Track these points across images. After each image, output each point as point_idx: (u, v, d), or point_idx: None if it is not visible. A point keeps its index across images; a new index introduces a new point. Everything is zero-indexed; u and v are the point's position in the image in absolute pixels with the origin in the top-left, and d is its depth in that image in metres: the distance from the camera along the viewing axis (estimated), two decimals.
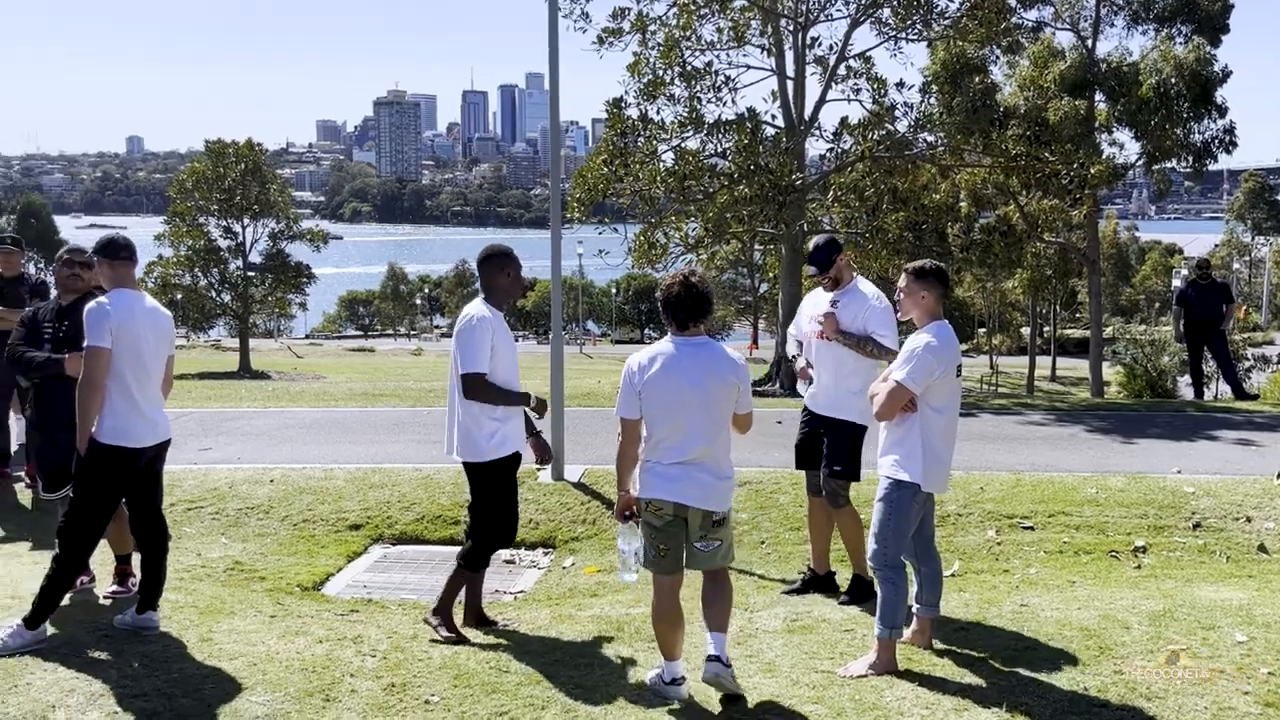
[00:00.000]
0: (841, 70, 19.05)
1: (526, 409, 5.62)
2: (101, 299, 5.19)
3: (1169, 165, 28.46)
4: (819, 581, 6.38)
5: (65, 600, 5.40)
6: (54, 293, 6.57)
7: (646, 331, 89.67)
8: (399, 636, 5.58)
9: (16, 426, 8.85)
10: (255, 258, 44.15)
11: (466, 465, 5.53)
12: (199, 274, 42.66)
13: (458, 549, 7.66)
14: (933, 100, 20.37)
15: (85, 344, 5.08)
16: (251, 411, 13.24)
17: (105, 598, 6.04)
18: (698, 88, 18.25)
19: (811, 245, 6.24)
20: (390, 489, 8.89)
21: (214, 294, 43.38)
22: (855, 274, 6.31)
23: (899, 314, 5.15)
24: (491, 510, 5.56)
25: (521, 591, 7.16)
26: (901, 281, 5.06)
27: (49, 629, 5.23)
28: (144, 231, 36.99)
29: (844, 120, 19.02)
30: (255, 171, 43.06)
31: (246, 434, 11.41)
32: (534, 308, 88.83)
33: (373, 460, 9.86)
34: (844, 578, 6.39)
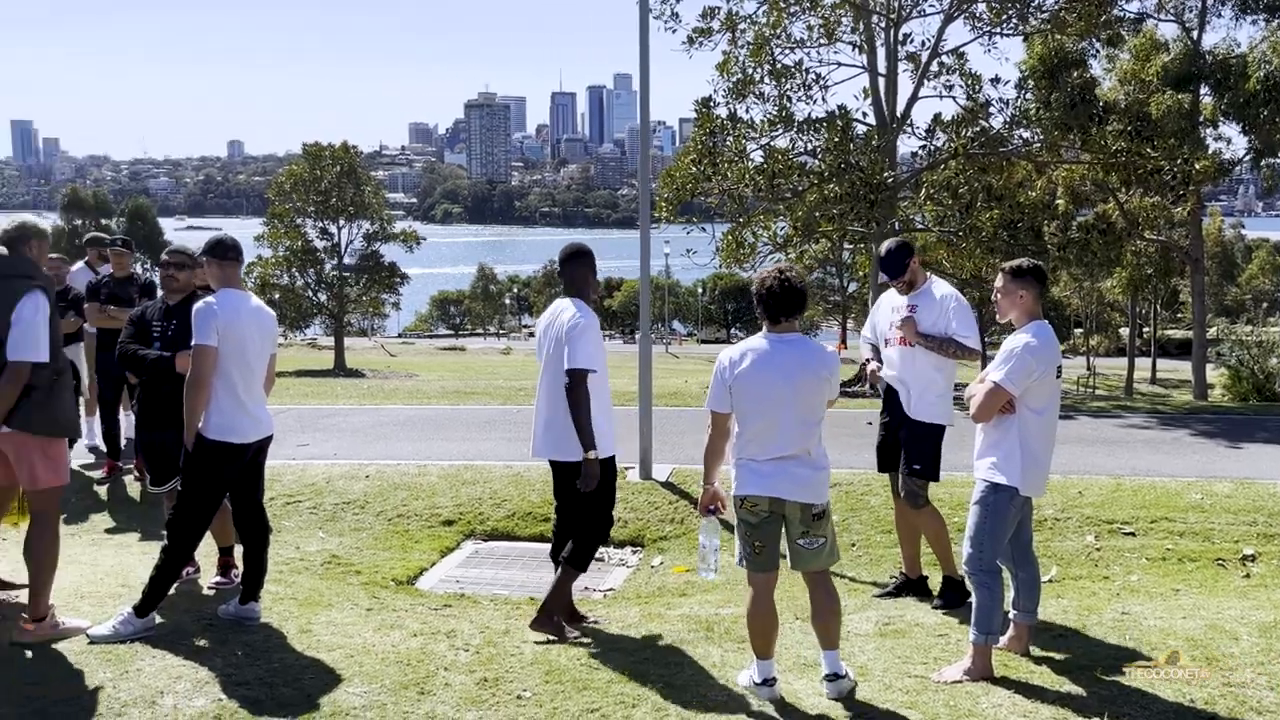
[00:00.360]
0: (934, 67, 18.75)
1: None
2: (209, 299, 5.34)
3: (1277, 161, 27.41)
4: (911, 585, 6.29)
5: (171, 590, 5.58)
6: (161, 292, 6.76)
7: (733, 331, 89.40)
8: (491, 631, 5.65)
9: (125, 421, 9.18)
10: (350, 258, 45.13)
11: (563, 465, 5.50)
12: (296, 274, 43.79)
13: (550, 546, 7.77)
14: (1029, 96, 19.92)
15: (193, 342, 5.23)
16: (347, 409, 13.52)
17: (209, 588, 6.22)
18: (788, 86, 18.13)
19: (883, 251, 6.13)
20: (482, 485, 9.01)
21: (310, 293, 44.47)
22: (929, 275, 6.20)
23: (998, 315, 5.03)
24: (595, 510, 5.56)
25: (611, 589, 7.19)
26: (998, 281, 4.95)
27: (157, 617, 5.40)
28: (243, 233, 38.04)
29: (937, 117, 18.72)
30: (350, 174, 44.04)
31: (343, 430, 11.66)
32: (620, 307, 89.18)
33: (465, 457, 10.00)
34: (936, 582, 6.29)
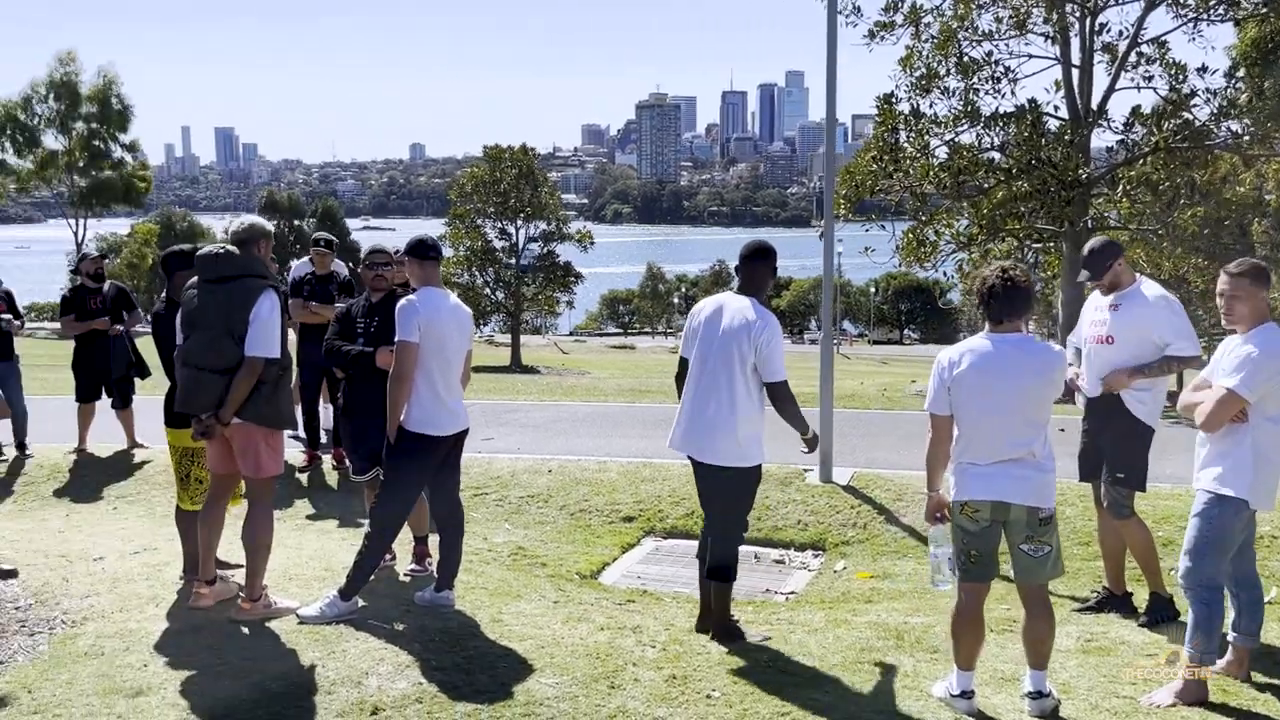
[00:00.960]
0: (1133, 57, 17.84)
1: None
2: (411, 297, 5.54)
3: None
4: (1115, 602, 5.99)
5: (372, 576, 5.82)
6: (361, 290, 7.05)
7: (905, 332, 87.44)
8: (676, 629, 5.68)
9: (325, 413, 9.64)
10: (526, 258, 46.27)
11: (725, 470, 5.32)
12: (475, 273, 45.16)
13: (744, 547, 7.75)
14: (1239, 85, 18.72)
15: (396, 338, 5.44)
16: (528, 404, 13.85)
17: (405, 575, 6.47)
18: (975, 79, 17.59)
19: (1086, 250, 5.84)
20: (660, 483, 9.07)
21: (489, 292, 45.79)
22: (1138, 276, 5.88)
23: (1223, 320, 4.73)
24: (742, 518, 5.50)
25: (793, 592, 7.13)
26: (1222, 283, 4.66)
27: (360, 601, 5.66)
28: (419, 233, 39.36)
29: (1135, 109, 17.81)
30: (528, 175, 45.13)
31: (525, 425, 11.95)
32: (789, 306, 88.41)
33: (643, 454, 10.09)
34: (1141, 599, 5.98)
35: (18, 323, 9.96)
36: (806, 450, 5.52)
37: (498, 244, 45.61)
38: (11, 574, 6.29)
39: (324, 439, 9.64)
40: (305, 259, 9.76)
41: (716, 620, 5.47)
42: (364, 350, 6.28)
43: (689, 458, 5.44)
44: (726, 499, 5.38)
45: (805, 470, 9.09)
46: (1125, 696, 4.61)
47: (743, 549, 7.86)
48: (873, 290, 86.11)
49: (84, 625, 5.51)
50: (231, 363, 5.29)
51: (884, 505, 8.44)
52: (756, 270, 5.39)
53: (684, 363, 5.49)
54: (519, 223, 45.57)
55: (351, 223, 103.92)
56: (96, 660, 4.99)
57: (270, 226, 5.82)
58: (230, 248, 5.50)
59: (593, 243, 47.89)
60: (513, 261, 46.05)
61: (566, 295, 48.98)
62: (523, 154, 45.61)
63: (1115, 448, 5.71)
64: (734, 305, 5.33)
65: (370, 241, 6.11)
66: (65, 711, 4.42)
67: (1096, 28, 18.01)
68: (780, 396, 5.23)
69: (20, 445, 9.97)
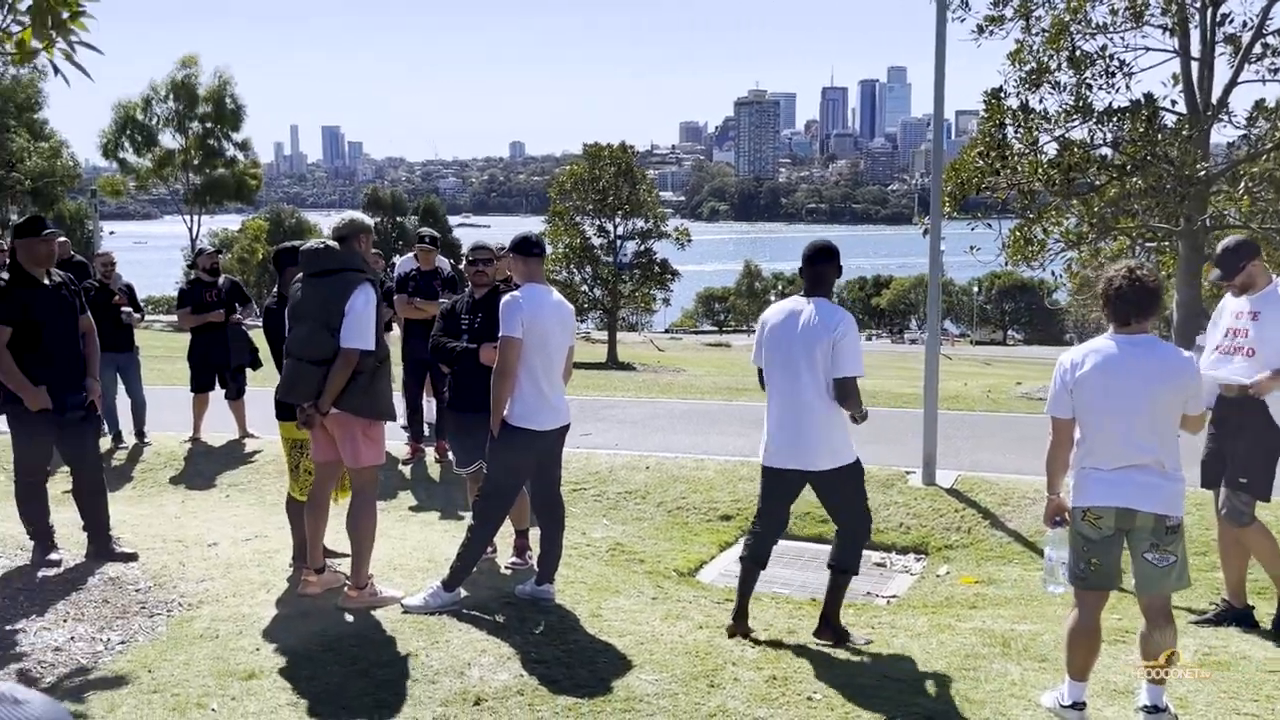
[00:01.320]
0: (1257, 49, 17.13)
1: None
2: (515, 293, 5.60)
3: None
4: (1235, 615, 5.77)
5: (474, 568, 5.90)
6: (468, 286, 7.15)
7: (1009, 332, 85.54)
8: (775, 630, 5.64)
9: (429, 406, 9.82)
10: (623, 255, 46.46)
11: (831, 473, 5.29)
12: (573, 270, 45.50)
13: (829, 547, 7.67)
14: None
15: (500, 334, 5.51)
16: (625, 400, 13.91)
17: (505, 568, 6.55)
18: (1087, 74, 17.08)
19: (1220, 248, 5.63)
20: (758, 483, 8.97)
21: (586, 289, 46.10)
22: (1275, 278, 5.63)
23: None
24: (866, 509, 5.48)
25: (894, 596, 7.03)
26: None
27: (463, 592, 5.75)
28: (517, 231, 39.82)
29: (1259, 103, 17.10)
30: (627, 173, 45.29)
31: (622, 421, 12.00)
32: (888, 305, 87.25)
33: (740, 453, 10.04)
34: (1265, 612, 5.75)
35: (137, 315, 10.35)
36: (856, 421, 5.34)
37: (595, 241, 45.89)
38: (132, 557, 6.54)
39: (427, 432, 9.81)
40: (409, 255, 9.94)
41: (825, 619, 5.44)
42: (468, 346, 6.38)
43: (785, 470, 5.36)
44: (846, 497, 5.37)
45: (908, 472, 8.96)
46: (1248, 714, 4.43)
47: None
48: (975, 289, 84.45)
49: (200, 608, 5.70)
50: (328, 354, 5.43)
51: (989, 509, 8.27)
52: (824, 270, 5.31)
53: (762, 372, 5.45)
54: (617, 220, 45.78)
55: (452, 219, 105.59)
56: (211, 643, 5.16)
57: (370, 221, 5.94)
58: (331, 243, 5.63)
59: (690, 240, 47.87)
60: (610, 259, 46.27)
61: (663, 292, 49.06)
62: (621, 151, 45.79)
63: (1243, 453, 5.50)
64: (808, 309, 5.25)
65: (467, 238, 6.22)
66: (183, 691, 4.58)
67: (1218, 19, 17.33)
68: (848, 392, 5.14)
69: (139, 434, 10.37)
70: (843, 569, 5.48)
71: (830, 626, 5.44)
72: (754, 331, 5.73)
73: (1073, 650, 4.32)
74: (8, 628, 5.38)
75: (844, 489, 5.37)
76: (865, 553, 6.79)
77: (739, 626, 5.49)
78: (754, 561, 5.59)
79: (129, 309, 10.14)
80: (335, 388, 5.44)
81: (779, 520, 5.60)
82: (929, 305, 9.29)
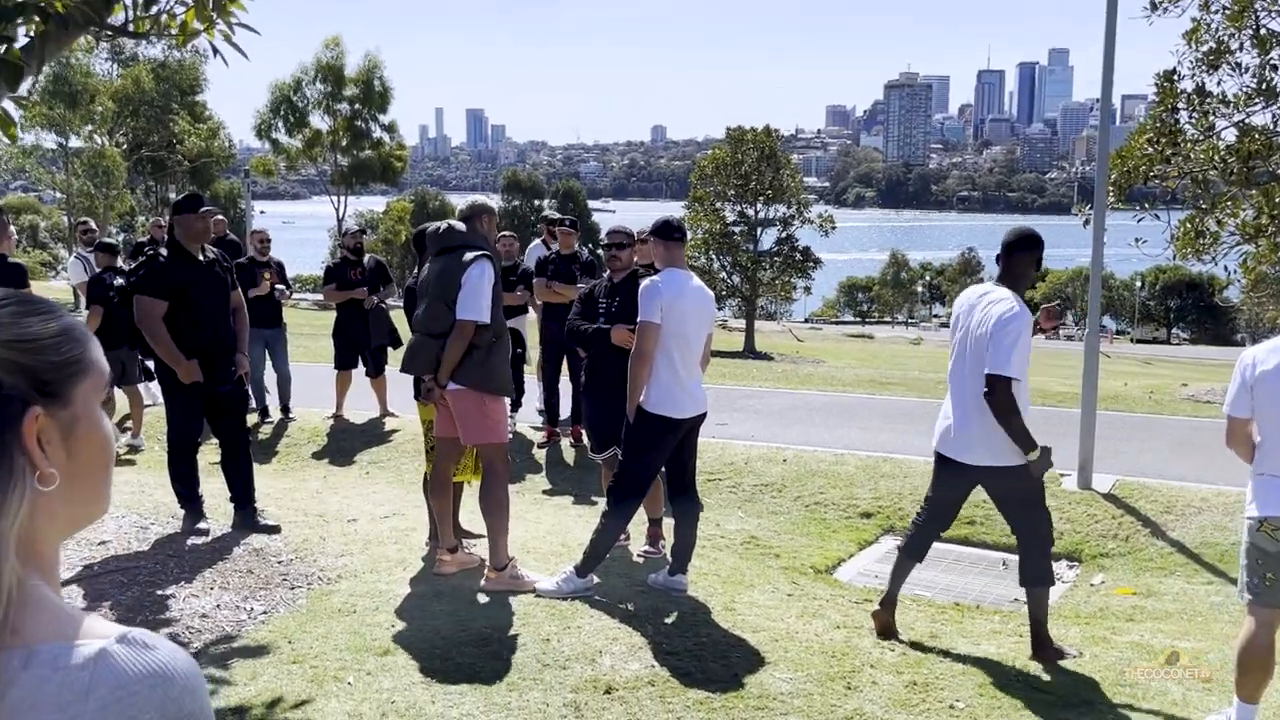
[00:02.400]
0: None
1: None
2: (655, 278, 5.60)
3: None
4: None
5: (607, 555, 5.93)
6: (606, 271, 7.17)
7: (1173, 330, 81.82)
8: (916, 633, 5.51)
9: (564, 391, 9.93)
10: (765, 243, 46.13)
11: (988, 470, 5.11)
12: (713, 256, 45.41)
13: (974, 550, 7.47)
14: None
15: (639, 319, 5.52)
16: (763, 390, 13.81)
17: (637, 556, 6.58)
18: (1272, 54, 16.12)
19: None
20: (901, 480, 8.83)
21: (725, 276, 45.96)
22: None
23: None
24: (1041, 518, 5.19)
25: None
26: None
27: (595, 579, 5.79)
28: (655, 216, 39.95)
29: None
30: (770, 157, 44.92)
31: (759, 412, 11.91)
32: (1043, 299, 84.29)
33: (883, 449, 9.85)
34: None
35: (286, 291, 10.75)
36: (1033, 473, 5.02)
37: (736, 228, 45.70)
38: (275, 529, 6.80)
39: (564, 416, 9.92)
40: (537, 241, 10.06)
41: (1036, 638, 5.22)
42: (601, 327, 6.40)
43: (947, 459, 5.21)
44: (1020, 496, 5.12)
45: (1062, 475, 8.64)
46: None
47: (991, 554, 7.63)
48: (1138, 284, 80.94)
49: (338, 583, 5.89)
50: (446, 327, 5.57)
51: (1149, 517, 7.91)
52: (1021, 259, 5.08)
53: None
54: (758, 206, 45.48)
55: (594, 204, 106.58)
56: (349, 618, 5.32)
57: (493, 203, 6.08)
58: (454, 223, 5.77)
59: (833, 227, 47.17)
60: (750, 245, 46.02)
61: (804, 281, 48.54)
62: (765, 136, 45.44)
63: None
64: (990, 297, 5.08)
65: (603, 224, 6.24)
66: (321, 664, 4.73)
67: None
68: (995, 390, 4.84)
69: (285, 409, 10.78)
70: (1032, 583, 5.24)
71: (1044, 646, 5.21)
72: (898, 323, 5.60)
73: (1244, 671, 4.08)
74: (158, 592, 5.66)
75: (1015, 489, 5.10)
76: (1014, 558, 6.58)
77: (885, 614, 5.41)
78: (909, 554, 5.49)
79: (281, 286, 10.55)
80: (451, 359, 5.55)
81: (943, 512, 5.44)
82: (1090, 299, 8.93)
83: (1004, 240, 5.17)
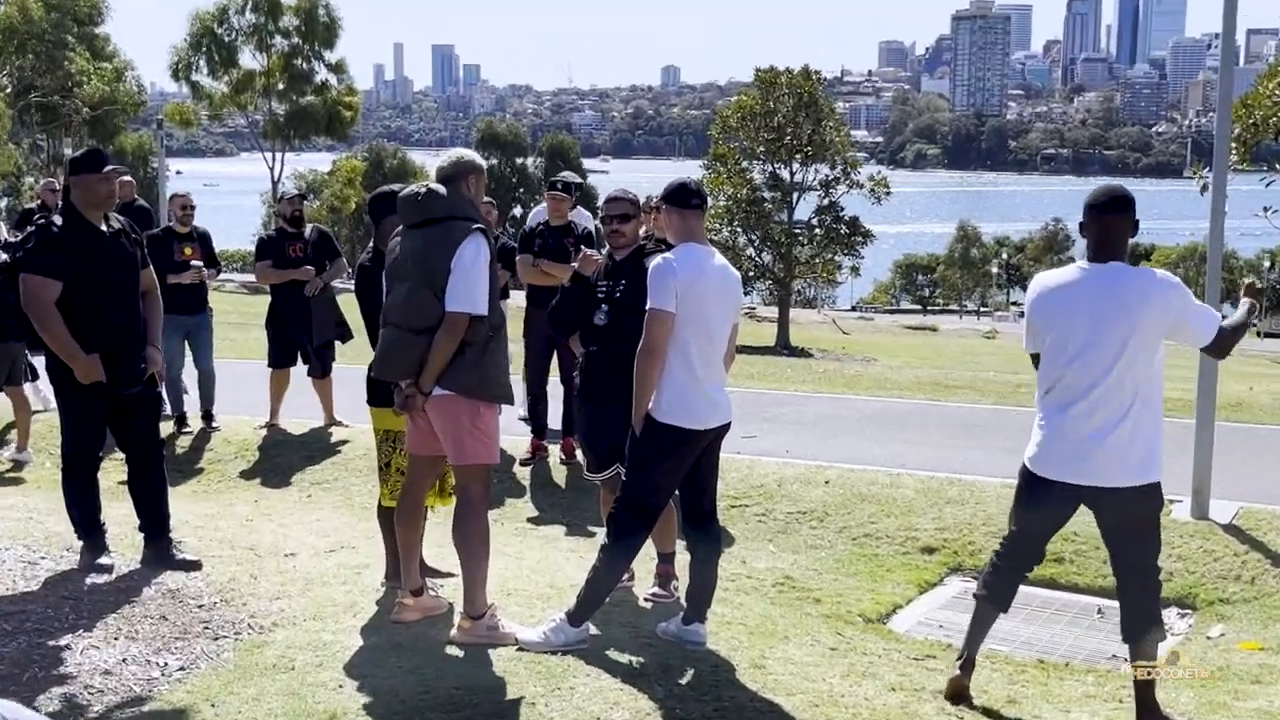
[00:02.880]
0: None
1: None
2: (668, 255, 5.59)
3: None
4: None
5: (607, 599, 5.94)
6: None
7: None
8: (990, 697, 5.53)
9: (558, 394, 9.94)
10: (803, 211, 46.06)
11: (1124, 491, 5.05)
12: (738, 229, 45.37)
13: (1063, 594, 7.47)
14: None
15: (648, 306, 5.51)
16: (800, 395, 13.83)
17: (645, 600, 6.58)
18: None
19: None
20: (973, 506, 8.84)
21: (752, 253, 45.93)
22: None
23: None
24: (1159, 545, 5.25)
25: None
26: None
27: (591, 628, 5.79)
28: (667, 179, 39.86)
29: None
30: (809, 106, 44.83)
31: (795, 422, 11.92)
32: None
33: (949, 468, 9.87)
34: None
35: (212, 270, 10.74)
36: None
37: (767, 193, 45.66)
38: (195, 565, 6.81)
39: (553, 426, 9.93)
40: (543, 205, 10.07)
41: (1142, 702, 5.23)
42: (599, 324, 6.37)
43: (1057, 484, 5.21)
44: (1140, 529, 5.14)
45: (1172, 501, 8.64)
46: None
47: (1084, 600, 7.65)
48: (1266, 264, 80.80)
49: (273, 632, 5.90)
50: (432, 321, 5.52)
51: None
52: (1114, 224, 5.08)
53: (1037, 359, 5.30)
54: (794, 166, 45.46)
55: (591, 164, 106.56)
56: (286, 675, 5.33)
57: (481, 161, 6.02)
58: (434, 186, 5.72)
59: (888, 192, 47.11)
60: (784, 215, 45.99)
61: (851, 259, 48.51)
62: (804, 79, 45.41)
63: None
64: (1105, 276, 5.05)
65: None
66: None
67: None
68: (1226, 342, 5.18)
69: (206, 415, 10.79)
70: (1138, 637, 5.23)
71: (1151, 713, 5.22)
72: (969, 312, 5.60)
73: None
74: (50, 644, 5.67)
75: (1138, 519, 5.13)
76: (1111, 604, 6.58)
77: (962, 680, 5.42)
78: (993, 601, 5.49)
79: (199, 263, 10.52)
80: (440, 361, 5.53)
81: (1033, 546, 5.46)
82: (1207, 283, 8.94)
83: (1089, 203, 5.15)
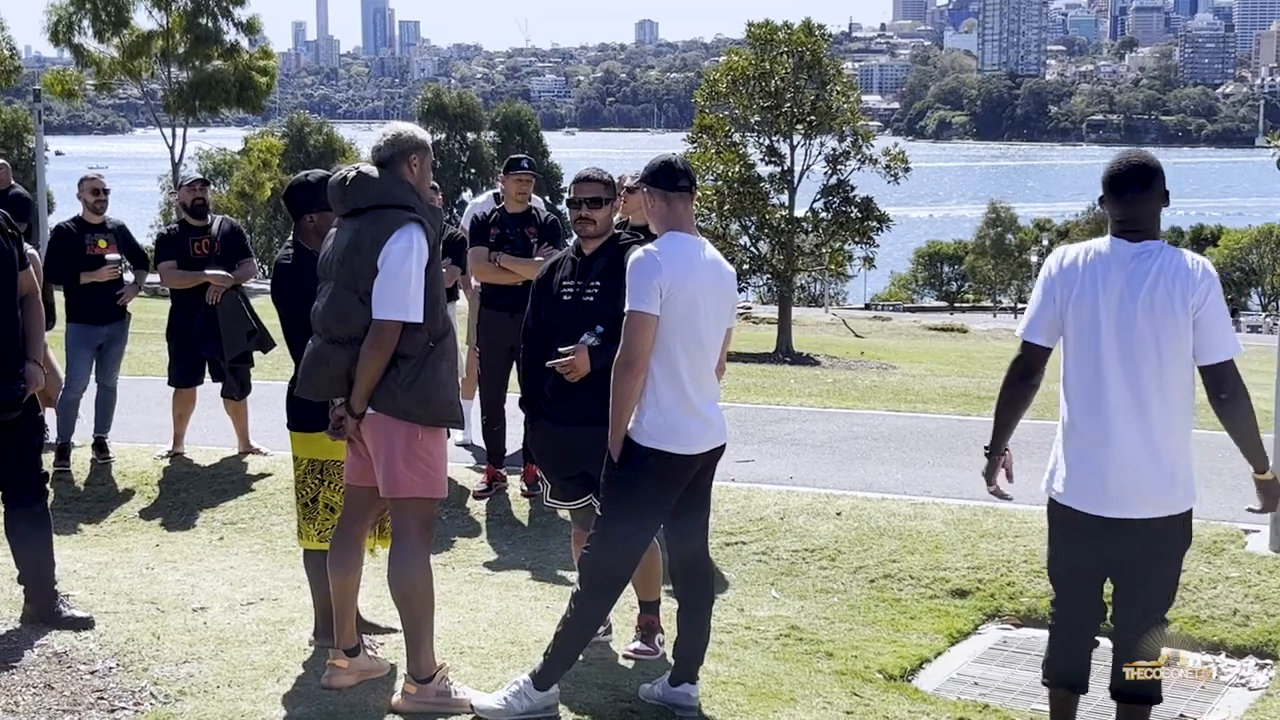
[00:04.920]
0: None
1: None
2: (650, 248, 5.58)
3: None
4: None
5: (580, 656, 5.93)
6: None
7: None
8: None
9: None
10: (805, 192, 46.07)
11: (1150, 523, 5.11)
12: (729, 215, 45.37)
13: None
14: None
15: (627, 308, 5.50)
16: (805, 411, 13.84)
17: (625, 657, 6.58)
18: None
19: None
20: (1011, 540, 8.87)
21: (748, 242, 45.96)
22: None
23: None
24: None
25: None
26: None
27: (558, 691, 5.78)
28: (648, 154, 39.77)
29: None
30: (813, 67, 44.89)
31: (800, 443, 11.94)
32: (1217, 270, 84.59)
33: (982, 495, 9.82)
34: None
35: (140, 271, 10.76)
36: (1259, 504, 5.23)
37: (763, 170, 45.70)
38: (86, 623, 6.77)
39: (510, 451, 9.91)
40: (490, 193, 10.06)
41: None
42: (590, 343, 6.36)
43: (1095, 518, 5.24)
44: (1155, 565, 5.19)
45: (1247, 531, 8.69)
46: None
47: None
48: None
49: (180, 702, 5.86)
50: (357, 330, 5.52)
51: None
52: (1142, 201, 5.14)
53: (1034, 352, 5.32)
54: (796, 139, 45.54)
55: (555, 136, 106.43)
56: None
57: (426, 137, 5.97)
58: (366, 169, 5.70)
59: (907, 169, 47.23)
60: (785, 197, 46.06)
61: (864, 248, 48.70)
62: (805, 35, 45.52)
63: None
64: (1128, 255, 5.11)
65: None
66: None
67: None
68: (1231, 388, 5.05)
69: (99, 444, 10.69)
70: (1141, 698, 5.29)
71: None
72: (1003, 309, 5.63)
73: None
74: None
75: (1155, 552, 5.18)
76: (1181, 653, 6.63)
77: None
78: (1067, 683, 5.43)
79: (117, 256, 10.39)
80: (368, 377, 5.51)
81: (1091, 602, 5.39)
82: None
83: (1107, 176, 5.21)
